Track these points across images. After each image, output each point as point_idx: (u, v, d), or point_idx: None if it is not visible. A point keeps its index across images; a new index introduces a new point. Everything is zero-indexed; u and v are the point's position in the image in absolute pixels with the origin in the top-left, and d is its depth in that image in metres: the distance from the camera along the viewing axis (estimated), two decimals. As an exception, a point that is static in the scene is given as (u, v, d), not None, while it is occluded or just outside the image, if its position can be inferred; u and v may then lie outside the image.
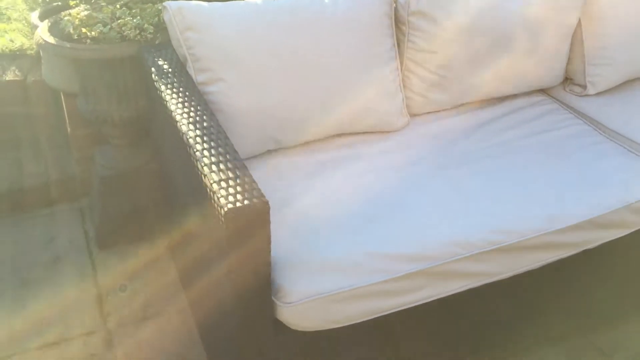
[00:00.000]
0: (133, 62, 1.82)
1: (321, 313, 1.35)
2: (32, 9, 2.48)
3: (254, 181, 1.24)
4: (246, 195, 1.19)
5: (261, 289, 1.30)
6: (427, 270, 1.41)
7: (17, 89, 2.42)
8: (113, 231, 2.15)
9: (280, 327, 1.37)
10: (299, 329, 1.37)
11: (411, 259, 1.40)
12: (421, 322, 1.78)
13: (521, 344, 1.77)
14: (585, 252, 1.62)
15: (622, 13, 2.00)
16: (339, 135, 1.83)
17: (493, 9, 1.82)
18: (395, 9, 1.80)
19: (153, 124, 1.96)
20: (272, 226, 1.41)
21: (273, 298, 1.33)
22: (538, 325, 1.83)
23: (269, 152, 1.74)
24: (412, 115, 1.94)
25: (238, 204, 1.16)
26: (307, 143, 1.78)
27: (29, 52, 2.55)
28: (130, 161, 2.11)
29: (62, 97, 2.25)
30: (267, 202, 1.18)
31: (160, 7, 1.86)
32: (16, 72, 2.45)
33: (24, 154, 2.49)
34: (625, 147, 1.81)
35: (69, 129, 2.29)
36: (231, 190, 1.21)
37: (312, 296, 1.32)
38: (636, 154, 1.77)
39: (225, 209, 1.16)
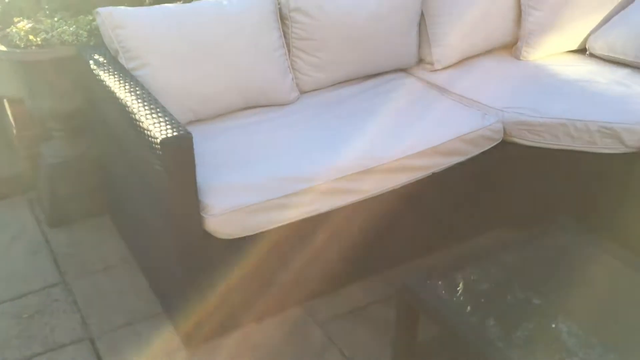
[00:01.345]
0: (72, 62, 2.25)
1: (237, 223, 1.83)
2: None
3: (180, 123, 1.71)
4: (175, 130, 1.66)
5: (192, 206, 1.77)
6: (314, 188, 1.92)
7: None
8: (61, 210, 2.53)
9: (207, 237, 1.82)
10: (222, 237, 1.83)
11: (300, 180, 1.91)
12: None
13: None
14: (433, 175, 2.18)
15: (457, 7, 2.64)
16: (245, 109, 2.33)
17: (354, 4, 2.40)
18: (279, 8, 2.34)
19: (91, 116, 2.38)
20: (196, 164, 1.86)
21: (201, 213, 1.80)
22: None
23: (190, 122, 2.20)
24: (303, 92, 2.48)
25: (169, 134, 1.63)
26: (220, 115, 2.27)
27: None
28: (73, 149, 2.51)
29: (7, 104, 2.63)
30: (190, 133, 1.66)
31: (90, 18, 2.32)
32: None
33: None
34: (461, 103, 2.41)
35: (14, 132, 2.67)
36: (163, 128, 1.67)
37: (230, 209, 1.80)
38: (467, 105, 2.38)
39: (160, 139, 1.62)
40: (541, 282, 1.72)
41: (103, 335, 2.02)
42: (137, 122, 1.77)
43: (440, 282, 1.68)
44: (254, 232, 1.88)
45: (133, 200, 2.21)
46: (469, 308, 1.60)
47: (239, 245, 1.88)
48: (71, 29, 2.24)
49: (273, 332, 2.04)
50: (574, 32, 2.78)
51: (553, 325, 1.57)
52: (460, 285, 1.68)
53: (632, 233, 2.15)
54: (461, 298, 1.64)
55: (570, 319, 1.58)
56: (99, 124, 2.34)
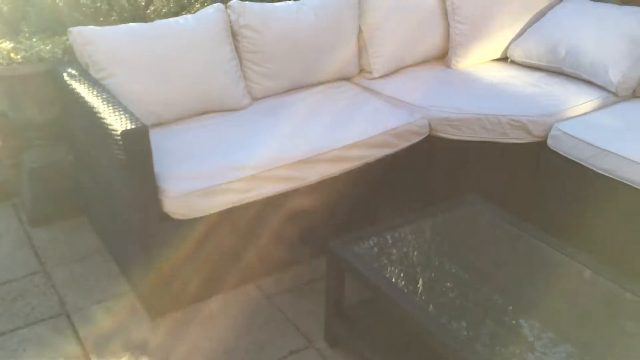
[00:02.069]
0: (49, 77, 2.57)
1: (190, 205, 2.13)
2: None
3: (138, 118, 2.03)
4: (133, 124, 1.97)
5: (151, 190, 2.07)
6: (256, 176, 2.24)
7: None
8: (42, 211, 2.82)
9: (165, 218, 2.13)
10: (177, 217, 2.13)
11: (243, 168, 2.22)
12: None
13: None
14: (366, 165, 2.50)
15: (389, 23, 3.00)
16: (203, 113, 2.65)
17: (296, 20, 2.76)
18: (230, 25, 2.68)
19: (67, 124, 2.69)
20: (155, 156, 2.16)
21: (159, 196, 2.10)
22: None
23: (153, 125, 2.51)
24: (255, 99, 2.81)
25: (128, 127, 1.95)
26: (180, 119, 2.59)
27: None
28: (52, 156, 2.81)
29: (-10, 118, 2.94)
30: (146, 125, 1.98)
31: (64, 38, 2.65)
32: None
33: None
34: (392, 104, 2.76)
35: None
36: (123, 123, 1.99)
37: (183, 193, 2.11)
38: (397, 106, 2.72)
39: (120, 131, 1.94)
40: (448, 242, 2.04)
41: (78, 311, 2.30)
42: (102, 120, 2.09)
43: (362, 245, 1.99)
44: (205, 213, 2.18)
45: (103, 196, 2.51)
46: (385, 265, 1.91)
47: (192, 225, 2.18)
48: (48, 47, 2.57)
49: (227, 304, 2.33)
50: (496, 43, 3.16)
51: (453, 271, 1.89)
52: (379, 247, 1.99)
53: (537, 208, 2.48)
54: (379, 257, 1.95)
55: (470, 271, 1.90)
56: (74, 131, 2.65)
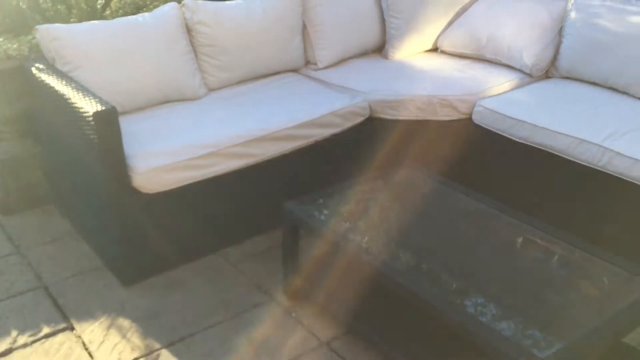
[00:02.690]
0: (17, 73, 2.76)
1: (157, 179, 2.37)
2: None
3: (107, 101, 2.26)
4: (103, 105, 2.20)
5: (121, 166, 2.30)
6: (215, 152, 2.49)
7: None
8: (13, 201, 2.98)
9: (135, 192, 2.35)
10: (146, 191, 2.37)
11: (204, 146, 2.47)
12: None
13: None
14: (315, 142, 2.79)
15: (331, 19, 3.31)
16: (164, 102, 2.88)
17: (245, 16, 3.04)
18: (185, 21, 2.93)
19: (36, 117, 2.88)
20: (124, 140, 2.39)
21: (129, 172, 2.33)
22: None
23: (119, 114, 2.73)
24: (211, 89, 3.06)
25: (99, 109, 2.18)
26: (143, 108, 2.82)
27: None
28: (21, 148, 2.99)
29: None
30: (115, 107, 2.21)
31: (30, 37, 2.84)
32: None
33: None
34: (336, 90, 3.06)
35: (-33, 140, 3.11)
36: (94, 106, 2.21)
37: (150, 168, 2.34)
38: (340, 91, 3.03)
39: (92, 112, 2.16)
40: (388, 199, 2.35)
41: (55, 284, 2.49)
42: (73, 105, 2.31)
43: (313, 204, 2.27)
44: (171, 187, 2.42)
45: (73, 181, 2.71)
46: (334, 219, 2.20)
47: (160, 199, 2.42)
48: (14, 46, 2.76)
49: (195, 271, 2.57)
50: (427, 35, 3.51)
51: (393, 221, 2.19)
52: (328, 205, 2.28)
53: (465, 174, 2.81)
54: (328, 213, 2.23)
55: (408, 221, 2.21)
56: (42, 123, 2.84)
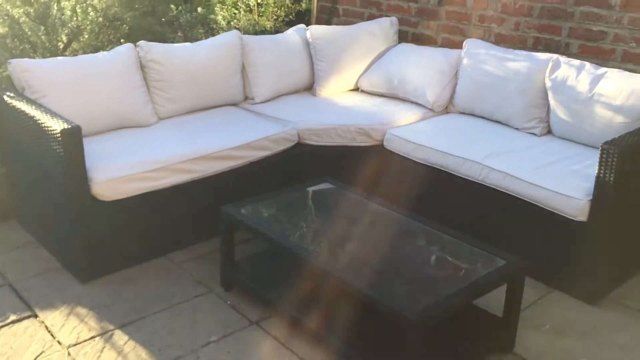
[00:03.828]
0: (-13, 101, 3.15)
1: (114, 189, 2.80)
2: None
3: (73, 122, 2.69)
4: (69, 124, 2.63)
5: (82, 177, 2.71)
6: (164, 167, 2.94)
7: None
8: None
9: (94, 200, 2.76)
10: (103, 199, 2.78)
11: (155, 162, 2.93)
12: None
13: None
14: (251, 163, 3.27)
15: (266, 60, 3.85)
16: (120, 128, 3.32)
17: (191, 56, 3.54)
18: (139, 59, 3.41)
19: (2, 141, 3.25)
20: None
21: (89, 183, 2.74)
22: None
23: (78, 137, 3.15)
24: (161, 118, 3.52)
25: (66, 126, 2.60)
26: (102, 132, 3.24)
27: None
28: (-15, 168, 3.34)
29: None
30: (79, 125, 2.64)
31: (1, 71, 3.25)
32: None
33: None
34: (270, 120, 3.58)
35: None
36: (61, 124, 2.64)
37: (108, 179, 2.77)
38: (273, 121, 3.55)
39: (59, 130, 2.59)
40: (306, 203, 2.85)
41: (19, 281, 2.84)
42: (42, 124, 2.73)
43: (245, 208, 2.74)
44: (126, 196, 2.84)
45: (37, 195, 3.08)
46: (262, 218, 2.67)
47: (116, 206, 2.83)
48: (-14, 78, 3.17)
49: (144, 271, 2.97)
50: (349, 76, 4.11)
51: (309, 219, 2.68)
52: (257, 209, 2.75)
53: (373, 185, 3.34)
54: (257, 214, 2.70)
55: (319, 218, 2.70)
56: (10, 145, 3.21)
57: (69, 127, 2.63)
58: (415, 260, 2.46)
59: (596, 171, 2.64)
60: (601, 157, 2.62)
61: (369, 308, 2.24)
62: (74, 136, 2.64)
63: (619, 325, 2.69)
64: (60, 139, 2.62)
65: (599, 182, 2.64)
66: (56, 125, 2.65)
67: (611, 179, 2.60)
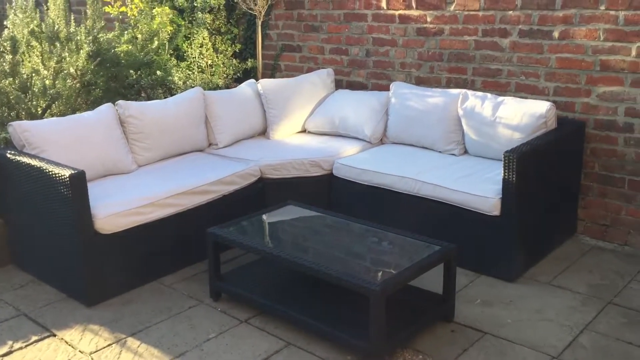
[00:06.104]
0: (-12, 159, 3.60)
1: (113, 223, 3.30)
2: None
3: (76, 168, 3.20)
4: (74, 170, 3.15)
5: (86, 214, 3.21)
6: (153, 203, 3.48)
7: None
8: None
9: (96, 234, 3.25)
10: (104, 232, 3.28)
11: (145, 199, 3.46)
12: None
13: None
14: (224, 196, 3.84)
15: (224, 110, 4.48)
16: (106, 175, 3.83)
17: (162, 111, 4.13)
18: (119, 116, 3.97)
19: (4, 195, 3.68)
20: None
21: (92, 219, 3.24)
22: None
23: (71, 185, 3.64)
24: (140, 165, 4.05)
25: (73, 172, 3.12)
26: (91, 179, 3.73)
27: None
28: (-15, 220, 3.75)
29: None
30: (83, 171, 3.16)
31: (2, 134, 3.72)
32: None
33: None
34: (234, 160, 4.18)
35: None
36: (67, 171, 3.15)
37: (108, 215, 3.27)
38: (237, 161, 4.15)
39: (68, 175, 3.10)
40: (275, 220, 3.44)
41: (32, 311, 3.25)
42: (49, 172, 3.22)
43: (227, 229, 3.30)
44: (123, 229, 3.35)
45: (39, 238, 3.52)
46: (242, 236, 3.23)
47: (115, 238, 3.33)
48: (-15, 140, 3.63)
49: (141, 293, 3.44)
50: (297, 120, 4.79)
51: (279, 232, 3.27)
52: (238, 229, 3.32)
53: (326, 205, 3.97)
54: (238, 233, 3.27)
55: (289, 231, 3.30)
56: (11, 197, 3.64)
57: (76, 172, 3.14)
58: (370, 251, 3.10)
59: (502, 174, 3.39)
60: (504, 163, 3.37)
61: (334, 291, 2.83)
62: (80, 179, 3.15)
63: (533, 295, 3.39)
64: (68, 182, 3.12)
65: (505, 182, 3.39)
66: (64, 172, 3.16)
67: (513, 179, 3.35)
